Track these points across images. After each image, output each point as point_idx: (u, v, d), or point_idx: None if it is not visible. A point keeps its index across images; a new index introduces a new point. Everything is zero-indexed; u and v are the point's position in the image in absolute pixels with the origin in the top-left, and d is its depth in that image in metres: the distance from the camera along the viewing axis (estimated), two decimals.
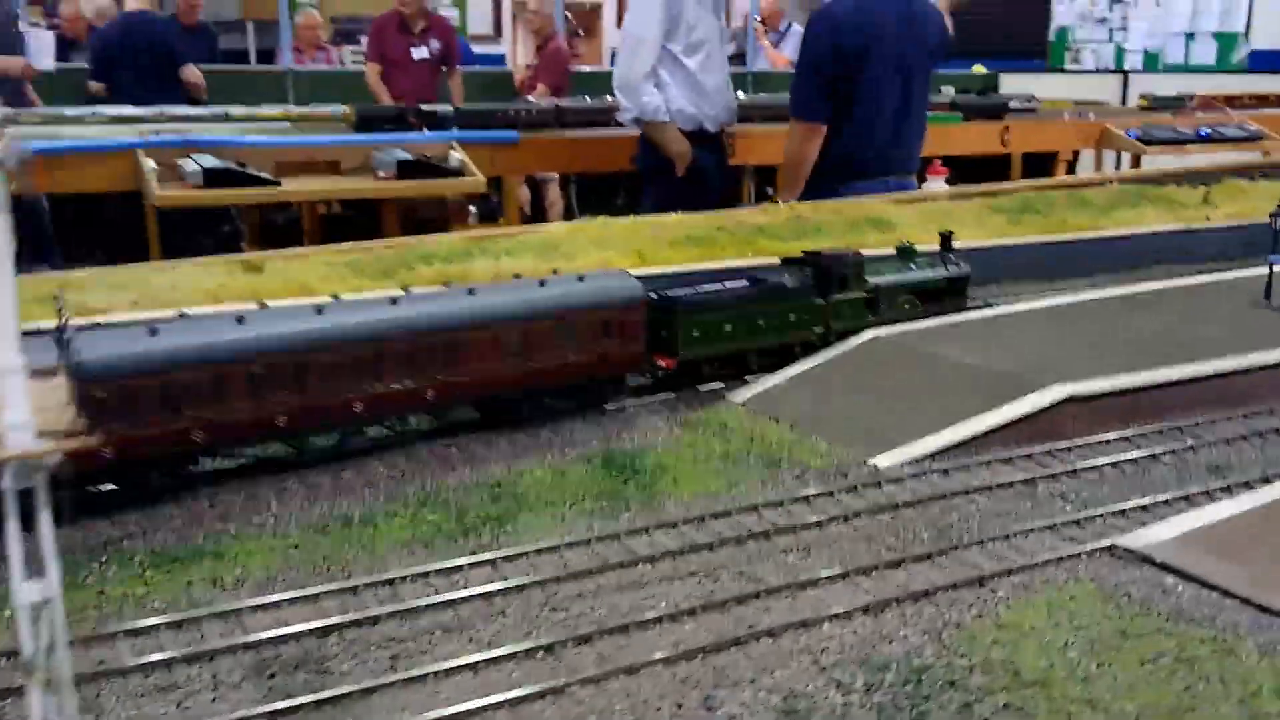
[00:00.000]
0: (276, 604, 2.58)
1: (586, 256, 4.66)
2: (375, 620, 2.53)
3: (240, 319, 3.19)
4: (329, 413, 3.28)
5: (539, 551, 2.86)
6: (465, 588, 2.67)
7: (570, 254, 4.70)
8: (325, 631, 2.48)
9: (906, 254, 4.62)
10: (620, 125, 8.78)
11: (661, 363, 3.98)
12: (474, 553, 2.86)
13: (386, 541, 2.92)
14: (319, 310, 3.28)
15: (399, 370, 3.33)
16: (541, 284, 3.68)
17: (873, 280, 4.40)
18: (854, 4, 7.16)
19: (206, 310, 3.65)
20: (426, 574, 2.73)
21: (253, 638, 2.43)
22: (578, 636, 2.46)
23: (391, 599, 2.63)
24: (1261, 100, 11.97)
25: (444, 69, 11.83)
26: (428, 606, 2.58)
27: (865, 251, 4.53)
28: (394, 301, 3.41)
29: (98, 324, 3.47)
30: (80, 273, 4.12)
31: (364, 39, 19.62)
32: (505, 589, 2.66)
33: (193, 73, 11.62)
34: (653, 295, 3.89)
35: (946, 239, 4.70)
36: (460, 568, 2.77)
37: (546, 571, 2.76)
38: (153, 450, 3.05)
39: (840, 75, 6.98)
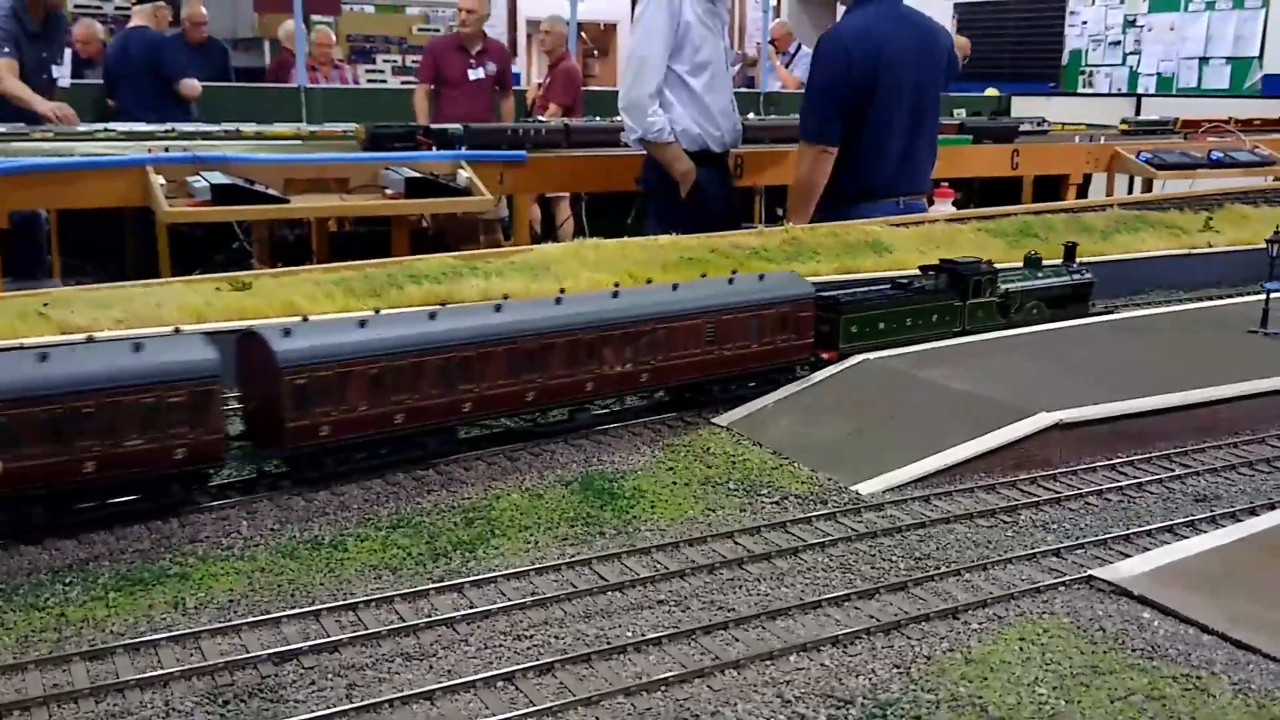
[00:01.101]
0: (236, 628, 2.56)
1: (577, 278, 4.64)
2: (335, 647, 2.50)
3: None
4: (567, 391, 3.70)
5: (507, 577, 2.83)
6: (429, 614, 2.65)
7: (561, 275, 4.68)
8: (283, 658, 2.45)
9: (1033, 263, 5.02)
10: (628, 145, 8.79)
11: (824, 354, 4.31)
12: (442, 578, 2.83)
13: (354, 566, 2.89)
14: (558, 300, 3.73)
15: (620, 355, 3.77)
16: (730, 282, 4.11)
17: (1004, 286, 4.78)
18: (864, 26, 7.14)
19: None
20: (391, 599, 2.71)
21: (209, 663, 2.41)
22: (539, 666, 2.43)
23: (353, 625, 2.60)
24: (1246, 124, 11.86)
25: (498, 90, 12.08)
26: (389, 633, 2.55)
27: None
28: (615, 295, 3.84)
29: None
30: (65, 290, 4.13)
31: (380, 58, 19.91)
32: (469, 615, 2.63)
33: (189, 87, 11.77)
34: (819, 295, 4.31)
35: (1070, 250, 5.08)
36: (426, 593, 2.75)
37: (513, 598, 2.73)
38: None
39: (850, 98, 6.95)
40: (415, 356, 3.35)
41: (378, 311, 3.68)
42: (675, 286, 3.99)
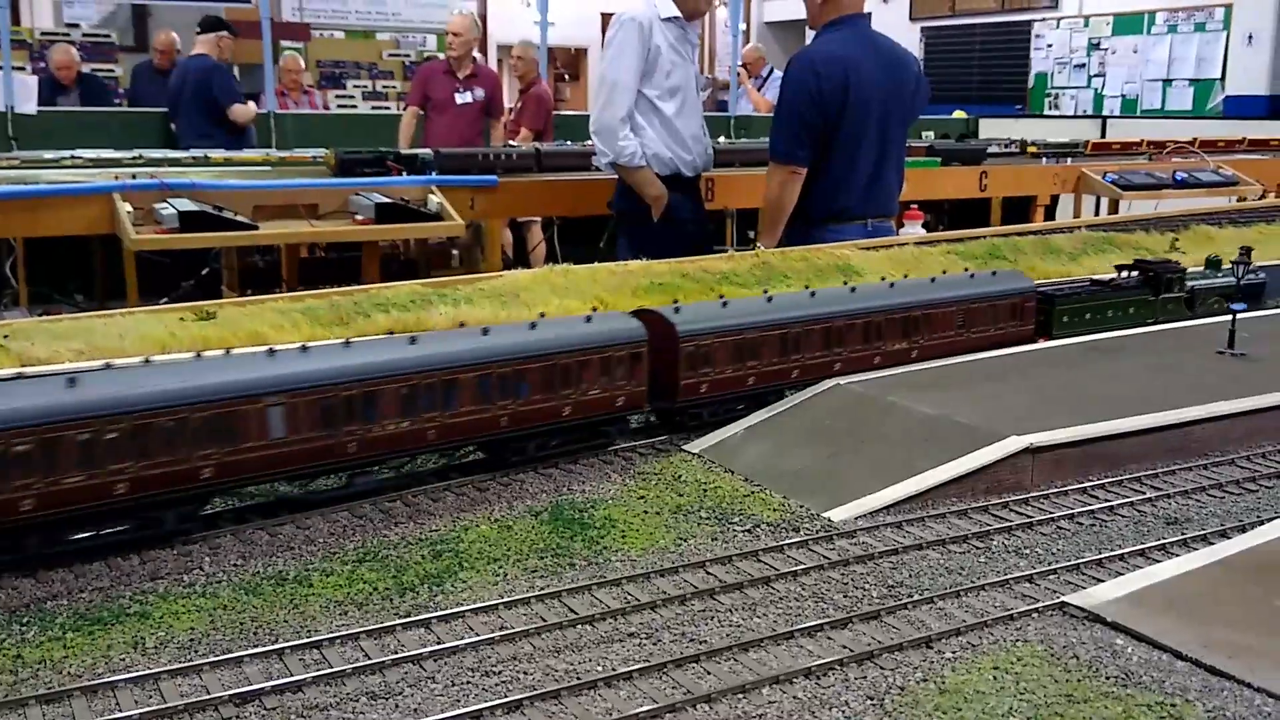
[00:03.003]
0: (197, 669, 2.50)
1: (547, 304, 4.61)
2: (298, 687, 2.44)
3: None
4: (865, 361, 4.42)
5: (475, 611, 2.78)
6: (395, 651, 2.60)
7: (530, 302, 4.65)
8: (245, 699, 2.39)
9: (1214, 264, 5.60)
10: (599, 169, 8.79)
11: (1042, 340, 4.92)
12: (409, 613, 2.78)
13: (319, 601, 2.84)
14: (812, 294, 4.47)
15: (898, 335, 4.53)
16: (971, 277, 4.93)
17: (1190, 284, 5.34)
18: (832, 50, 7.17)
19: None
20: (356, 636, 2.65)
21: (168, 705, 2.35)
22: (507, 703, 2.38)
23: (317, 663, 2.54)
24: (1209, 145, 12.04)
25: (488, 117, 12.21)
26: (354, 671, 2.50)
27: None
28: (853, 291, 4.59)
29: None
30: (24, 321, 4.06)
31: (350, 83, 19.89)
32: (436, 652, 2.58)
33: (240, 113, 12.18)
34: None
35: (1246, 252, 5.51)
36: (392, 629, 2.69)
37: (482, 633, 2.68)
38: None
39: (819, 120, 6.98)
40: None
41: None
42: (933, 280, 4.79)
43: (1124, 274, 5.37)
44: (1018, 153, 11.30)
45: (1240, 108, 19.66)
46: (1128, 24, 22.52)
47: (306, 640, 2.62)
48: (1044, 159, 11.07)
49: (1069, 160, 11.14)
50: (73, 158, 8.52)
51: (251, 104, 12.66)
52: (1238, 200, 10.39)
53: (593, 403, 3.78)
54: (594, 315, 4.00)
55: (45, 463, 2.83)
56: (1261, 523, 3.30)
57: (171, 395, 3.00)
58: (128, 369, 3.24)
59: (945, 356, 4.63)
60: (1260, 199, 10.35)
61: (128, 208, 6.96)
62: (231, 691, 2.40)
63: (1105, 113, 21.76)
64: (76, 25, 19.63)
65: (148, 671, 2.47)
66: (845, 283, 5.18)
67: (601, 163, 7.78)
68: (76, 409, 2.87)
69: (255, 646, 2.59)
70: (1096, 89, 22.95)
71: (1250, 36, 20.36)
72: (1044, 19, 24.05)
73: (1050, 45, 23.93)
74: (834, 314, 4.35)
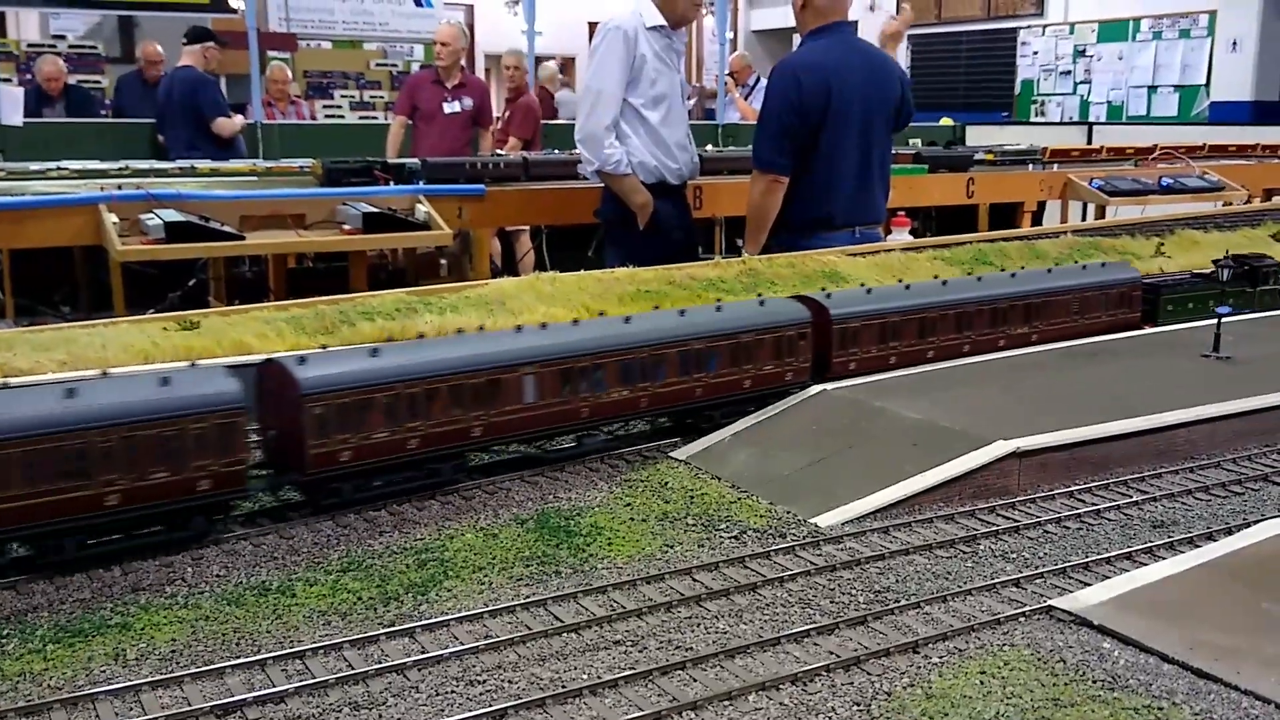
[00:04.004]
0: (178, 680, 2.47)
1: (533, 312, 4.60)
2: (281, 698, 2.42)
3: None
4: (988, 345, 4.74)
5: (460, 620, 2.76)
6: (379, 661, 2.58)
7: (517, 310, 4.64)
8: (226, 710, 2.37)
9: None
10: (586, 178, 8.79)
11: (1147, 327, 5.25)
12: (393, 623, 2.76)
13: (302, 612, 2.82)
14: (944, 283, 4.84)
15: (1021, 320, 4.88)
16: (1083, 268, 5.30)
17: None
18: (815, 58, 7.19)
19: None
20: (340, 646, 2.63)
21: (149, 717, 2.32)
22: (492, 713, 2.37)
23: (300, 674, 2.52)
24: (1149, 150, 12.12)
25: (477, 127, 12.21)
26: (337, 681, 2.48)
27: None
28: (979, 280, 4.93)
29: None
30: (6, 332, 4.03)
31: (338, 93, 19.86)
32: (420, 661, 2.57)
33: (224, 125, 12.16)
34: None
35: None
36: (376, 639, 2.68)
37: (466, 642, 2.66)
38: None
39: (801, 127, 6.99)
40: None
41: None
42: (1050, 270, 5.20)
43: (1222, 268, 5.65)
44: (982, 160, 11.29)
45: (1226, 114, 19.78)
46: (1113, 31, 22.64)
47: (289, 651, 2.60)
48: (1001, 166, 11.07)
49: (1029, 166, 11.18)
50: (59, 169, 8.50)
51: (238, 117, 12.63)
52: (1223, 205, 10.43)
53: (768, 376, 4.17)
54: (766, 300, 4.41)
55: (358, 421, 3.30)
56: (1248, 525, 3.31)
57: (454, 364, 3.48)
58: (418, 343, 3.65)
59: (1061, 340, 4.97)
60: (1245, 203, 10.40)
61: (114, 219, 6.93)
62: (213, 703, 2.38)
63: (1091, 119, 21.86)
64: (63, 37, 19.59)
65: (129, 683, 2.45)
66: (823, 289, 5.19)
67: (587, 171, 7.78)
68: (381, 376, 3.34)
69: (237, 657, 2.57)
70: (1082, 96, 23.07)
71: (1234, 43, 20.50)
72: (1030, 26, 24.18)
73: (1036, 52, 24.06)
74: (965, 300, 4.71)
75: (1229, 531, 3.29)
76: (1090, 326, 5.10)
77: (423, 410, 3.42)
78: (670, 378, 3.92)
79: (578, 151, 8.47)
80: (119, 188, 7.55)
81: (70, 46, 18.83)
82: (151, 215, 7.01)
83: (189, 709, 2.36)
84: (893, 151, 7.80)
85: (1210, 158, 12.05)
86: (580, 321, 3.94)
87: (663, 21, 7.55)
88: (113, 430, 2.92)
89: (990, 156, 11.30)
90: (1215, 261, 5.75)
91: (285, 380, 3.27)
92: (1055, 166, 11.36)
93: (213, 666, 2.52)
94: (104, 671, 2.54)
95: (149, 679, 2.47)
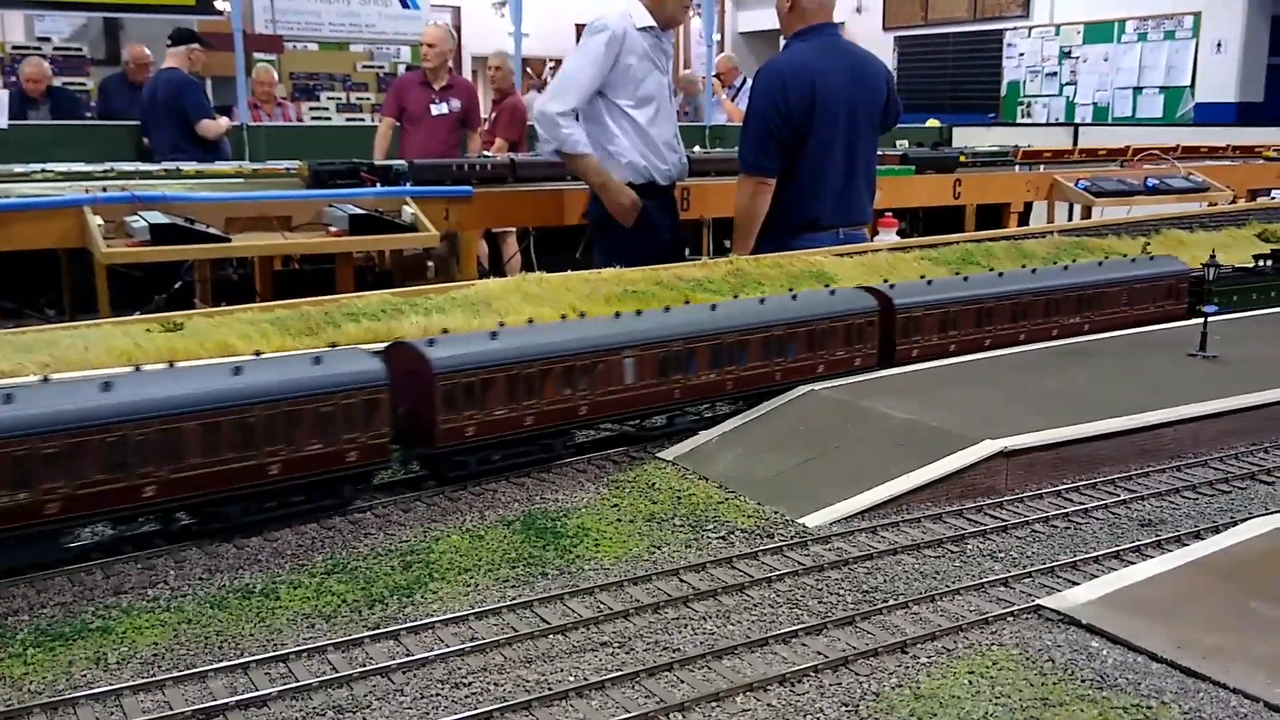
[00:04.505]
0: (160, 684, 2.45)
1: (519, 313, 4.58)
2: (264, 701, 2.40)
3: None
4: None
5: (445, 623, 2.74)
6: (364, 664, 2.55)
7: (503, 310, 4.61)
8: (209, 714, 2.35)
9: None
10: (575, 179, 8.76)
11: (1194, 319, 5.25)
12: (377, 625, 2.74)
13: (286, 614, 2.79)
14: (1000, 275, 5.04)
15: (1074, 310, 5.09)
16: (1133, 261, 5.51)
17: None
18: (800, 59, 7.18)
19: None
20: (324, 649, 2.61)
21: None
22: (477, 715, 2.35)
23: (284, 677, 2.50)
24: (1179, 150, 12.17)
25: (464, 129, 12.18)
26: (321, 685, 2.46)
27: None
28: (1033, 271, 5.14)
29: None
30: None
31: (324, 95, 19.82)
32: (405, 664, 2.54)
33: (209, 127, 12.10)
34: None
35: None
36: (361, 642, 2.65)
37: (451, 644, 2.64)
38: None
39: (787, 130, 6.98)
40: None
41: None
42: (1100, 263, 5.36)
43: (1263, 262, 5.88)
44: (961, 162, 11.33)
45: (1210, 115, 19.87)
46: (1098, 32, 22.74)
47: (272, 654, 2.57)
48: (973, 167, 11.10)
49: (1012, 168, 11.22)
50: (43, 171, 8.45)
51: (223, 119, 12.57)
52: (1208, 205, 10.47)
53: (839, 361, 4.39)
54: (836, 290, 4.62)
55: (480, 399, 3.54)
56: (1235, 523, 3.31)
57: (564, 347, 3.73)
58: (531, 328, 3.88)
59: (1112, 330, 5.15)
60: (1231, 204, 10.44)
61: (98, 221, 6.89)
62: (195, 707, 2.35)
63: (1077, 120, 21.95)
64: (48, 39, 19.51)
65: (110, 687, 2.42)
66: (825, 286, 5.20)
67: (545, 150, 7.75)
68: (502, 357, 3.58)
69: (220, 661, 2.55)
70: (1068, 97, 23.16)
71: (1219, 44, 20.61)
72: (1016, 28, 24.27)
73: (1022, 54, 24.14)
74: (1021, 292, 4.90)
75: (1216, 530, 3.29)
76: (1140, 317, 5.27)
77: (537, 389, 3.67)
78: (753, 361, 4.16)
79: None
80: (104, 190, 7.50)
81: (55, 48, 18.76)
82: (136, 217, 6.97)
83: (171, 713, 2.33)
84: (879, 153, 7.79)
85: (1186, 158, 12.09)
86: (672, 309, 4.18)
87: (652, 23, 7.54)
88: (276, 405, 3.15)
89: (963, 158, 11.36)
90: (1255, 256, 5.99)
91: (417, 360, 3.50)
92: (1029, 168, 11.43)
93: (195, 670, 2.50)
94: (85, 676, 2.51)
95: (131, 683, 2.44)
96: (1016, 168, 11.50)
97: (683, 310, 4.21)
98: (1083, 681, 2.48)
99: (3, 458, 2.77)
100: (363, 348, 3.72)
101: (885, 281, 4.85)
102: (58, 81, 15.32)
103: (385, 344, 3.73)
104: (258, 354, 3.50)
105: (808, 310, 4.32)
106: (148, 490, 2.99)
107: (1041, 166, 11.48)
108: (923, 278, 5.05)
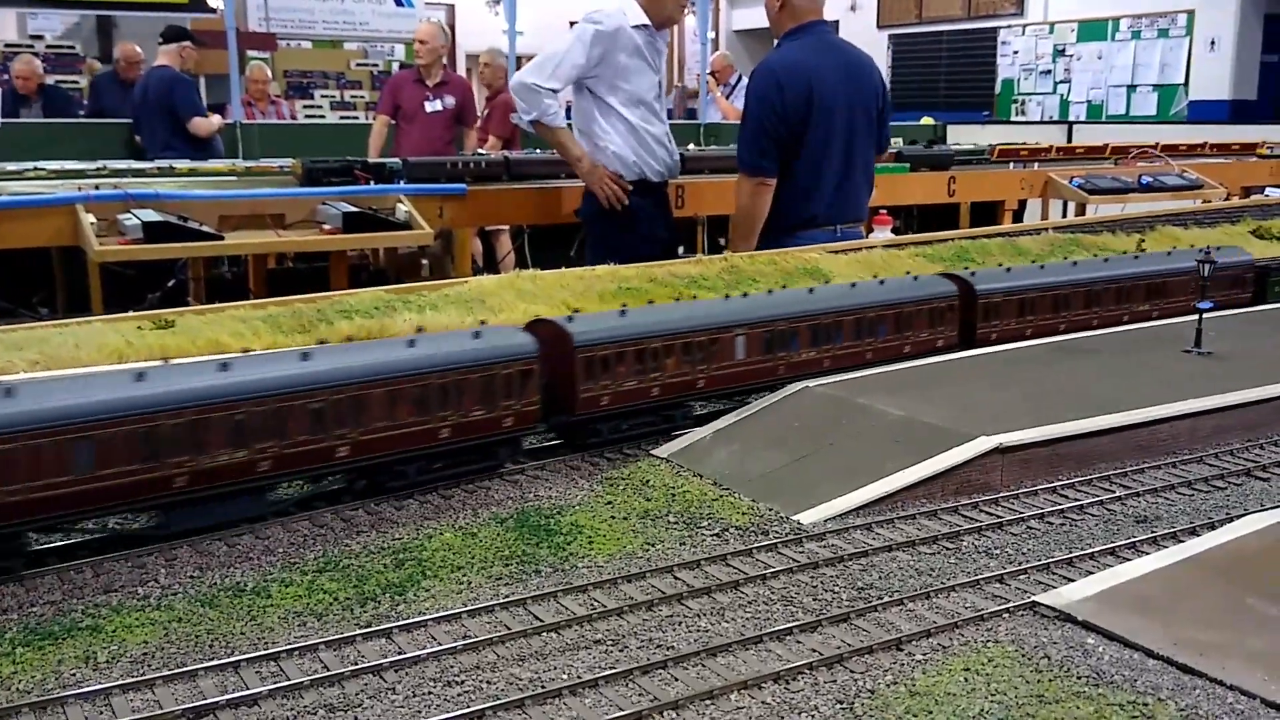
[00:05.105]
0: (150, 683, 2.43)
1: (513, 310, 4.56)
2: (254, 700, 2.38)
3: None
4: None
5: (438, 620, 2.72)
6: (355, 662, 2.54)
7: (496, 307, 4.59)
8: (199, 713, 2.33)
9: None
10: (570, 177, 8.74)
11: (1256, 307, 5.67)
12: (369, 623, 2.72)
13: (277, 613, 2.77)
14: (1074, 264, 5.34)
15: (1141, 298, 5.33)
16: (1169, 254, 5.80)
17: None
18: (795, 58, 7.17)
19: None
20: (315, 648, 2.59)
21: None
22: (470, 714, 2.33)
23: (275, 676, 2.48)
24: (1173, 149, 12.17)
25: (460, 126, 12.19)
26: (312, 683, 2.44)
27: None
28: (1106, 261, 5.47)
29: None
30: None
31: (318, 93, 19.78)
32: (397, 662, 2.53)
33: (200, 125, 12.06)
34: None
35: None
36: (353, 640, 2.63)
37: (444, 642, 2.62)
38: None
39: (784, 129, 6.97)
40: None
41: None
42: (1169, 253, 5.72)
43: None
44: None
45: (1204, 112, 19.90)
46: (1092, 30, 22.75)
47: (264, 653, 2.55)
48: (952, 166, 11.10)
49: (1012, 166, 11.23)
50: (36, 169, 8.40)
51: (216, 117, 12.53)
52: (1202, 203, 10.47)
53: (923, 343, 4.69)
54: (920, 276, 4.90)
55: (613, 372, 3.86)
56: (1230, 519, 3.29)
57: (685, 324, 4.05)
58: (654, 308, 4.23)
59: (1181, 316, 5.29)
60: (1225, 200, 10.45)
61: (91, 219, 6.87)
62: (185, 706, 2.33)
63: (1071, 118, 21.97)
64: (40, 37, 19.47)
65: (99, 686, 2.40)
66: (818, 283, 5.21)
67: (524, 119, 7.73)
68: (633, 332, 3.92)
69: (211, 659, 2.53)
70: (1062, 95, 23.17)
71: (1213, 42, 20.63)
72: (1010, 26, 24.28)
73: (1016, 52, 24.15)
74: (1094, 280, 5.14)
75: (1212, 526, 3.28)
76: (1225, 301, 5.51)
77: (662, 363, 3.98)
78: (847, 341, 4.47)
79: (552, 153, 8.43)
80: (96, 188, 7.48)
81: (48, 46, 18.71)
82: (129, 215, 6.95)
83: (161, 712, 2.31)
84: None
85: (1188, 156, 12.11)
86: (775, 291, 4.57)
87: (646, 21, 7.52)
88: (447, 375, 3.46)
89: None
90: None
91: (559, 335, 3.80)
92: (1007, 165, 11.41)
93: (186, 669, 2.48)
94: (74, 675, 2.49)
95: (120, 682, 2.42)
96: (1010, 165, 11.48)
97: (785, 293, 4.57)
98: (1079, 678, 2.47)
99: (223, 421, 3.07)
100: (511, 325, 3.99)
101: (966, 268, 5.16)
102: (51, 79, 15.28)
103: (527, 321, 4.04)
104: (419, 330, 3.92)
105: (896, 294, 4.63)
106: (341, 450, 3.30)
107: (1013, 165, 11.48)
108: (1001, 265, 5.44)
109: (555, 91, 7.39)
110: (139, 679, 2.44)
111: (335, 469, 3.36)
